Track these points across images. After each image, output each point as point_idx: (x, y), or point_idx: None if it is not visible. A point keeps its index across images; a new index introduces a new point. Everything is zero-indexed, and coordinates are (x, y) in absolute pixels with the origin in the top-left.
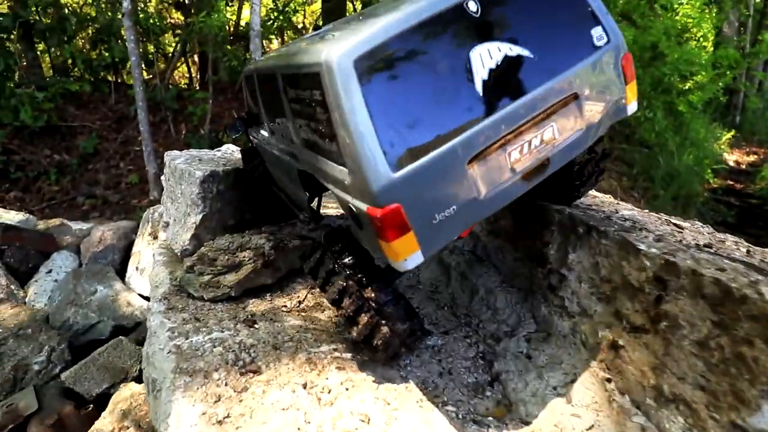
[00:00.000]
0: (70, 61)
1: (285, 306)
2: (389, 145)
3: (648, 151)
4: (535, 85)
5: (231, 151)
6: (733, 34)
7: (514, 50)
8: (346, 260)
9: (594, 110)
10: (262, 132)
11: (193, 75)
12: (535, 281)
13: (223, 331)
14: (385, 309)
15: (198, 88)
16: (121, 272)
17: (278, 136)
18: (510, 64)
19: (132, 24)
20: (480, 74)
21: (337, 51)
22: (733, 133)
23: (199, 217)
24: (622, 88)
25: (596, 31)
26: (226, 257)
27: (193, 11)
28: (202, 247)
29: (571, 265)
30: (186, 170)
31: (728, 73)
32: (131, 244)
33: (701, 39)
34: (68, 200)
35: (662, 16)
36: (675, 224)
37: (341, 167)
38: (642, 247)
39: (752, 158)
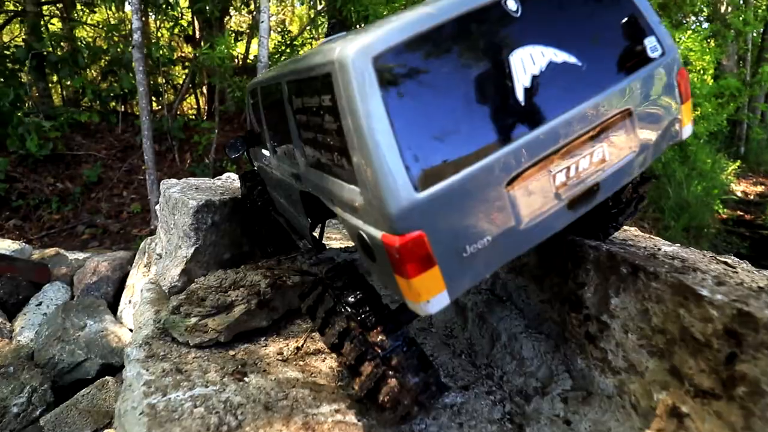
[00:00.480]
0: (80, 91)
1: (281, 353)
2: (412, 159)
3: (655, 181)
4: (585, 97)
5: (231, 180)
6: (733, 67)
7: (560, 56)
8: (349, 298)
9: (649, 130)
10: (263, 152)
11: (202, 107)
12: (567, 328)
13: (207, 386)
14: (394, 356)
15: (205, 118)
16: (115, 305)
17: (280, 155)
18: (556, 71)
19: (141, 56)
20: (521, 81)
21: (353, 48)
22: (738, 163)
23: (191, 250)
24: (678, 107)
25: (650, 42)
26: (217, 296)
27: (202, 44)
28: (192, 284)
29: (614, 312)
30: (180, 199)
31: (731, 103)
32: (126, 275)
33: (701, 71)
34: (68, 229)
35: None
36: (724, 262)
37: (352, 186)
38: (704, 292)
39: (760, 189)
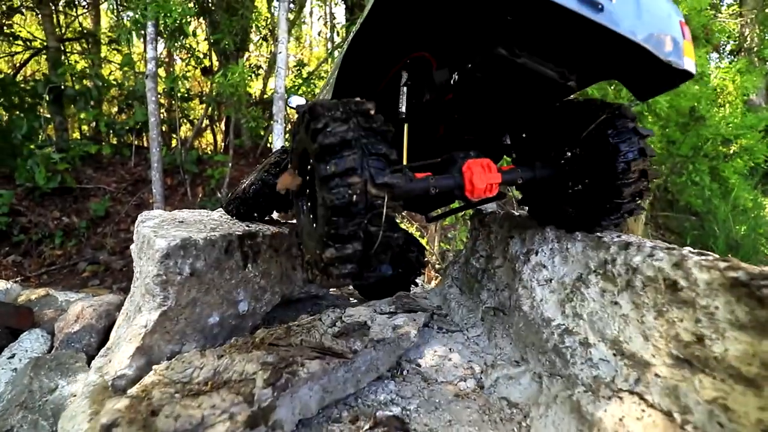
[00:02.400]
0: (93, 124)
1: None
2: None
3: (695, 219)
4: None
5: None
6: (761, 102)
7: None
8: None
9: None
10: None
11: (219, 142)
12: None
13: None
14: None
15: (222, 152)
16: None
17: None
18: None
19: (154, 86)
20: None
21: None
22: None
23: (154, 315)
24: None
25: None
26: (182, 405)
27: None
28: (148, 376)
29: None
30: (147, 238)
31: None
32: (113, 324)
33: (731, 104)
34: (69, 266)
35: (696, 81)
36: None
37: None
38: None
39: None
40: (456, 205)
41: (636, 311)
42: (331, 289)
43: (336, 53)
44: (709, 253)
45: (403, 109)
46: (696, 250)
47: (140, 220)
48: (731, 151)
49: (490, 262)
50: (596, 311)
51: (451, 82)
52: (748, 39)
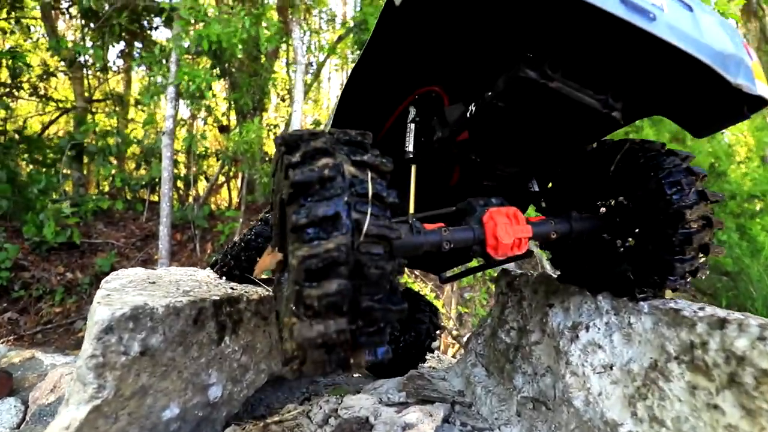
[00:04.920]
0: (110, 179)
1: None
2: None
3: (727, 279)
4: None
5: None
6: None
7: None
8: None
9: None
10: None
11: (234, 198)
12: None
13: None
14: None
15: (235, 208)
16: None
17: None
18: None
19: (170, 142)
20: None
21: None
22: None
23: (82, 411)
24: None
25: None
26: None
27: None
28: None
29: None
30: (93, 307)
31: None
32: None
33: (748, 161)
34: (66, 324)
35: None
36: None
37: None
38: None
39: None
40: (475, 263)
41: (749, 420)
42: None
43: None
44: None
45: (411, 148)
46: None
47: (105, 280)
48: (757, 208)
49: (523, 336)
50: (685, 417)
51: (468, 115)
52: None
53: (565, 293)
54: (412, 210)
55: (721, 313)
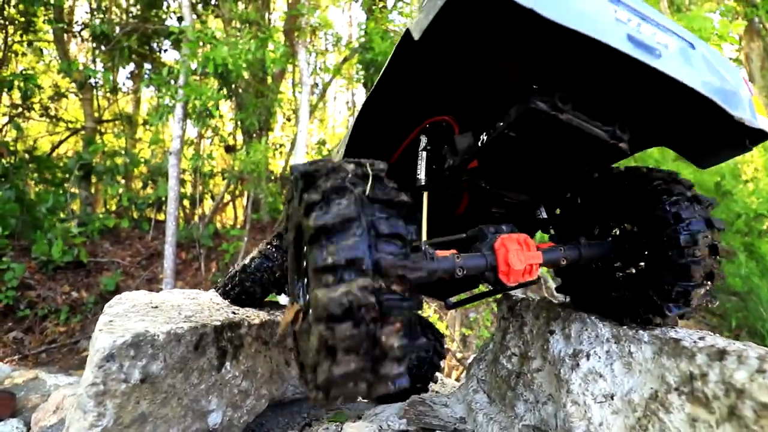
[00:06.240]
0: (117, 198)
1: None
2: None
3: (737, 299)
4: None
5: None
6: None
7: None
8: None
9: None
10: None
11: (239, 216)
12: None
13: None
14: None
15: (241, 227)
16: None
17: None
18: None
19: (177, 162)
20: None
21: None
22: None
23: None
24: None
25: None
26: None
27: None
28: None
29: None
30: (95, 334)
31: None
32: None
33: (756, 180)
34: (70, 344)
35: None
36: None
37: None
38: None
39: None
40: (483, 288)
41: None
42: None
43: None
44: None
45: (422, 176)
46: None
47: (109, 304)
48: (765, 227)
49: (525, 363)
50: None
51: (479, 144)
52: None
53: (567, 319)
54: (424, 237)
55: (721, 343)
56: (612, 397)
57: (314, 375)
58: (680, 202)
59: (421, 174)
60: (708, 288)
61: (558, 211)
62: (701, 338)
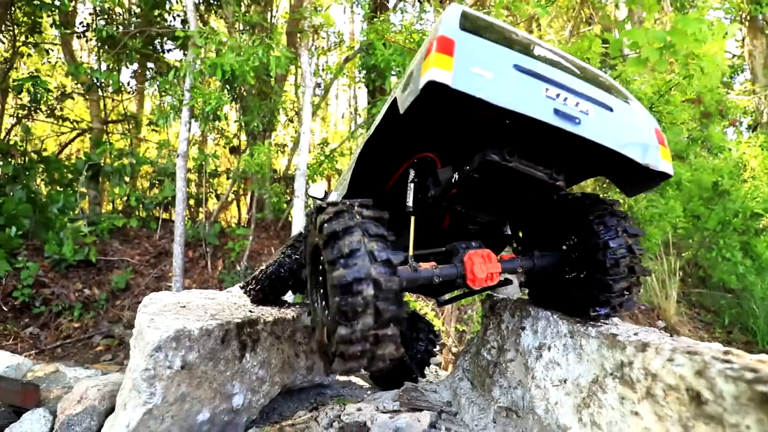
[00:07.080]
0: (125, 198)
1: None
2: None
3: (731, 296)
4: None
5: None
6: None
7: None
8: None
9: None
10: None
11: (243, 215)
12: None
13: None
14: None
15: (245, 225)
16: None
17: None
18: None
19: (184, 164)
20: None
21: None
22: None
23: (138, 413)
24: None
25: None
26: None
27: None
28: None
29: None
30: (141, 328)
31: None
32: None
33: (755, 179)
34: (85, 339)
35: (715, 156)
36: None
37: None
38: None
39: None
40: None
41: (660, 424)
42: (338, 376)
43: (358, 132)
44: (736, 354)
45: (411, 203)
46: (721, 355)
47: (143, 304)
48: (761, 226)
49: (501, 354)
50: (616, 421)
51: (453, 180)
52: (765, 115)
53: (535, 318)
54: (411, 252)
55: (646, 338)
56: (565, 382)
57: (332, 340)
58: (610, 231)
59: (410, 201)
60: (627, 298)
61: (519, 230)
62: (635, 333)
